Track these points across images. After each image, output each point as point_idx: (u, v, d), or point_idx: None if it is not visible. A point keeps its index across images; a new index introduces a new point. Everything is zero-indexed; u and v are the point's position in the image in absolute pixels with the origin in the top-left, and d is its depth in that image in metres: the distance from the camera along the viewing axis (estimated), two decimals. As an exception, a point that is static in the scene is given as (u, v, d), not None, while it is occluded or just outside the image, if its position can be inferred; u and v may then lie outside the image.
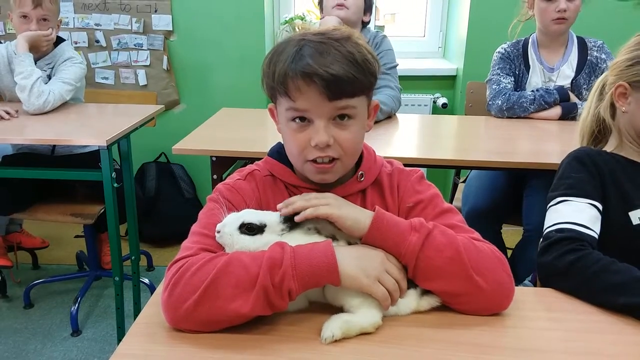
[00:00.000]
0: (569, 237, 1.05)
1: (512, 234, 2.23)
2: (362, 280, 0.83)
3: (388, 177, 1.02)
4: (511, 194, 2.04)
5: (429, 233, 0.85)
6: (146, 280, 2.47)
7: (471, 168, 2.20)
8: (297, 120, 0.91)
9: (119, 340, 2.06)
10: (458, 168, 2.47)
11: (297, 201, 0.88)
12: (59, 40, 2.30)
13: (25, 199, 2.19)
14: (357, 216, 0.87)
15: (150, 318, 0.87)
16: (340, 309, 0.86)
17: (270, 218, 0.88)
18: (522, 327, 0.87)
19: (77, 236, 2.80)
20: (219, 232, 0.87)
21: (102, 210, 2.14)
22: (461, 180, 2.44)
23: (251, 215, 0.87)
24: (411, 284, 0.88)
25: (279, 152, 1.02)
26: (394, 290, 0.85)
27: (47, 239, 2.82)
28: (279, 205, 0.89)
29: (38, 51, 2.20)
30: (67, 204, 2.20)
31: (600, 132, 1.27)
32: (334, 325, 0.82)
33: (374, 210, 0.88)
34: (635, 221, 1.13)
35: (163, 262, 2.84)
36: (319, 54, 0.86)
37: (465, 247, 0.86)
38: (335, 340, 0.81)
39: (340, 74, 0.85)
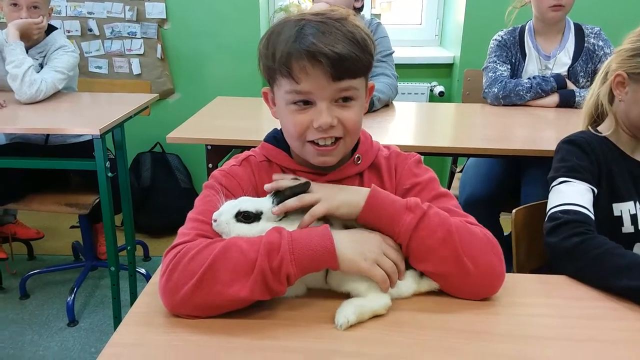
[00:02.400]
0: (576, 220, 1.06)
1: (509, 222, 2.22)
2: (361, 264, 0.82)
3: (385, 160, 1.01)
4: (509, 181, 2.04)
5: (423, 214, 0.85)
6: (143, 270, 2.46)
7: (468, 155, 2.19)
8: (299, 103, 0.89)
9: (116, 330, 2.06)
10: (455, 156, 2.47)
11: (285, 185, 0.88)
12: (51, 29, 2.27)
13: (19, 190, 2.16)
14: (350, 200, 0.87)
15: (146, 307, 0.86)
16: (344, 295, 0.85)
17: (266, 205, 0.87)
18: (522, 314, 0.87)
19: (72, 227, 2.79)
20: (215, 220, 0.86)
21: (97, 200, 2.13)
22: (458, 169, 2.44)
23: (247, 203, 0.87)
24: (411, 266, 0.88)
25: (275, 138, 1.01)
26: (392, 272, 0.84)
27: (41, 229, 2.80)
28: (266, 187, 0.90)
29: (29, 39, 2.16)
30: (61, 194, 2.17)
31: (599, 115, 1.27)
32: (347, 311, 0.81)
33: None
34: (616, 213, 1.17)
35: (160, 252, 2.81)
36: (321, 33, 0.85)
37: (458, 229, 0.86)
38: (350, 326, 0.80)
39: (344, 52, 0.84)
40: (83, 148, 2.16)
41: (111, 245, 1.98)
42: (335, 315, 0.82)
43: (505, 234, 2.07)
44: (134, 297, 2.24)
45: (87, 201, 2.13)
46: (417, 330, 0.82)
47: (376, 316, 0.83)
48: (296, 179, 0.92)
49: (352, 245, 0.83)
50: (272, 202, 0.87)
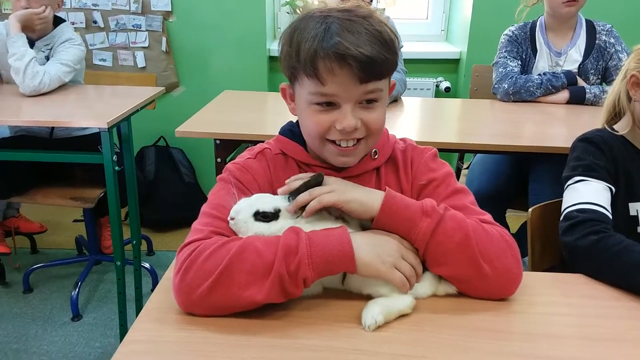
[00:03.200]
0: (592, 219, 1.05)
1: (516, 219, 2.22)
2: (379, 267, 0.81)
3: (402, 154, 1.00)
4: (516, 178, 2.02)
5: (440, 218, 0.83)
6: (147, 265, 2.45)
7: (476, 152, 2.18)
8: (323, 104, 0.87)
9: (121, 324, 2.05)
10: (462, 152, 2.45)
11: (297, 186, 0.85)
12: (59, 21, 2.25)
13: (24, 183, 2.15)
14: (364, 199, 0.85)
15: (160, 303, 0.85)
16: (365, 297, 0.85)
17: (284, 203, 0.85)
18: (540, 313, 0.86)
19: (75, 220, 2.78)
20: (232, 219, 0.84)
21: (102, 193, 2.12)
22: (465, 166, 2.42)
23: (265, 203, 0.85)
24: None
25: (291, 131, 0.99)
26: (410, 275, 0.83)
27: (45, 223, 2.79)
28: (279, 191, 0.87)
29: (32, 31, 2.13)
30: (66, 188, 2.16)
31: (617, 113, 1.26)
32: (375, 311, 0.80)
33: (384, 191, 0.86)
34: (632, 212, 1.16)
35: (163, 246, 2.82)
36: (350, 32, 0.82)
37: (475, 232, 0.84)
38: (379, 327, 0.79)
39: (373, 55, 0.82)
40: (88, 141, 2.14)
41: (117, 239, 1.97)
42: (362, 315, 0.80)
43: (511, 232, 2.06)
44: (139, 292, 2.23)
45: (92, 195, 2.12)
46: (435, 329, 0.80)
47: (401, 316, 0.82)
48: (315, 174, 0.89)
49: (371, 249, 0.81)
50: (288, 200, 0.85)
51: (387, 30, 0.86)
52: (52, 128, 2.19)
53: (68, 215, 2.88)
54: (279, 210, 0.84)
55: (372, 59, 0.82)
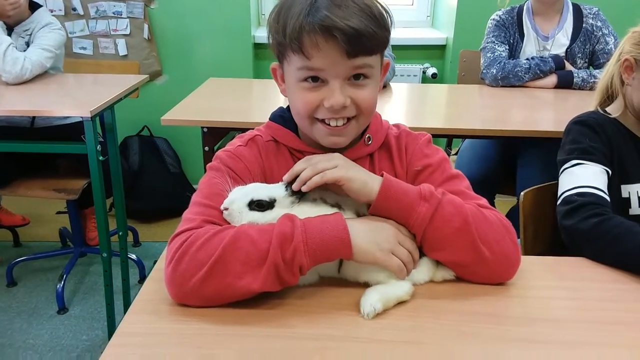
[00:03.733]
0: (592, 202, 1.06)
1: (504, 204, 2.22)
2: (376, 254, 0.80)
3: (396, 140, 0.98)
4: (504, 163, 2.03)
5: (438, 203, 0.82)
6: (133, 256, 2.42)
7: (464, 137, 2.18)
8: (309, 80, 0.85)
9: (109, 316, 2.02)
10: (450, 137, 2.45)
11: (302, 168, 0.83)
12: (35, 6, 2.18)
13: (5, 175, 2.10)
14: (365, 179, 0.83)
15: (152, 294, 0.82)
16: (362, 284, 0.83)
17: (279, 192, 0.83)
18: (537, 297, 0.86)
19: (58, 212, 2.73)
20: (226, 209, 0.82)
21: (86, 184, 2.07)
22: (453, 152, 2.42)
23: (260, 191, 0.83)
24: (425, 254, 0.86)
25: (281, 117, 0.97)
26: (408, 261, 0.82)
27: (27, 216, 2.73)
28: (285, 177, 0.85)
29: (6, 17, 2.07)
30: (49, 179, 2.11)
31: (609, 96, 1.26)
32: (373, 299, 0.79)
33: (381, 176, 0.84)
34: (624, 194, 1.17)
35: (149, 237, 2.78)
36: (336, 6, 0.80)
37: (474, 217, 0.83)
38: (377, 314, 0.78)
39: (360, 28, 0.80)
40: (70, 130, 2.09)
41: (103, 230, 1.93)
42: (361, 303, 0.79)
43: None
44: (126, 283, 2.19)
45: (76, 186, 2.07)
46: (433, 315, 0.80)
47: (399, 302, 0.81)
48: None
49: (367, 235, 0.80)
50: (286, 189, 0.83)
51: (378, 5, 0.84)
52: (33, 118, 2.14)
53: (51, 207, 2.83)
54: (275, 200, 0.82)
55: (359, 31, 0.80)
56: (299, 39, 0.81)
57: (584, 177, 1.11)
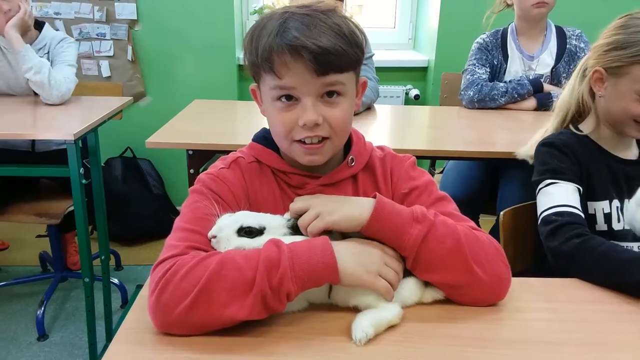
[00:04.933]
0: (570, 222, 1.08)
1: (483, 223, 2.23)
2: (363, 277, 0.79)
3: (380, 162, 0.99)
4: (488, 183, 2.05)
5: (431, 225, 0.82)
6: (116, 281, 2.38)
7: (446, 158, 2.20)
8: (283, 99, 0.87)
9: (90, 343, 1.97)
10: (433, 159, 2.47)
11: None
12: (40, 25, 2.17)
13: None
14: (352, 214, 0.83)
15: (136, 323, 0.81)
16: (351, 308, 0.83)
17: (271, 221, 0.83)
18: (526, 319, 0.86)
19: (38, 236, 2.68)
20: (215, 237, 0.81)
21: (69, 208, 2.04)
22: (437, 171, 2.45)
23: (250, 219, 0.82)
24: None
25: (264, 137, 0.97)
26: (395, 282, 0.82)
27: (6, 240, 2.68)
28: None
29: (25, 34, 2.06)
30: (29, 203, 2.07)
31: (580, 113, 1.28)
32: (364, 324, 0.78)
33: (374, 197, 0.84)
34: (590, 211, 1.19)
35: (132, 260, 2.74)
36: (305, 26, 0.82)
37: (466, 237, 0.84)
38: (369, 340, 0.78)
39: (328, 46, 0.81)
40: (53, 154, 2.06)
41: (85, 255, 1.89)
42: (352, 329, 0.79)
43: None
44: (108, 309, 2.15)
45: (58, 210, 2.04)
46: (423, 339, 0.79)
47: (390, 327, 0.81)
48: None
49: (354, 258, 0.80)
50: (286, 222, 0.84)
51: (349, 24, 0.86)
52: (33, 141, 2.10)
53: (30, 230, 2.78)
54: (264, 228, 0.82)
55: (327, 50, 0.81)
56: (270, 59, 0.83)
57: (558, 196, 1.14)
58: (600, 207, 1.19)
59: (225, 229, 0.81)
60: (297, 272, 0.76)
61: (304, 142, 0.88)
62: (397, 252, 0.84)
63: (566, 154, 1.20)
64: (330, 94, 0.86)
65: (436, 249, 0.82)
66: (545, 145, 1.25)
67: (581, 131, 1.25)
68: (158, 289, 0.75)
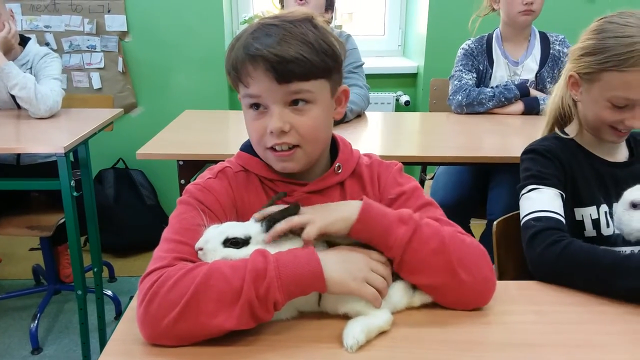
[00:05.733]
0: (549, 228, 1.06)
1: (474, 227, 2.25)
2: (350, 284, 0.80)
3: (368, 169, 1.00)
4: (478, 188, 2.06)
5: (417, 226, 0.84)
6: (109, 292, 2.37)
7: (437, 164, 2.21)
8: (253, 107, 0.89)
9: (84, 356, 1.97)
10: (424, 164, 2.49)
11: (271, 211, 0.84)
12: (25, 40, 2.18)
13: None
14: (342, 216, 0.84)
15: (126, 335, 0.81)
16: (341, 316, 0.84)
17: (254, 229, 0.83)
18: (514, 322, 0.87)
19: (31, 249, 2.67)
20: (201, 249, 0.82)
21: (61, 220, 2.04)
22: (428, 177, 2.46)
23: (235, 229, 0.83)
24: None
25: (252, 146, 0.98)
26: (382, 288, 0.83)
27: (-2, 253, 2.67)
28: (256, 215, 0.85)
29: (10, 51, 2.07)
30: (21, 216, 2.07)
31: (565, 117, 1.27)
32: (355, 331, 0.79)
33: (361, 200, 0.85)
34: (578, 217, 1.18)
35: (125, 272, 2.73)
36: (267, 35, 0.84)
37: (451, 239, 0.85)
38: (361, 346, 0.78)
39: (286, 55, 0.83)
40: (54, 167, 2.06)
41: (77, 267, 1.89)
42: (344, 336, 0.79)
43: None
44: (101, 321, 2.14)
45: (50, 222, 2.03)
46: (413, 344, 0.80)
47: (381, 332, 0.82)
48: (292, 204, 0.86)
49: (340, 266, 0.81)
50: (261, 226, 0.83)
51: (320, 33, 0.86)
52: (18, 155, 2.10)
53: (23, 244, 2.77)
54: (250, 237, 0.82)
55: (285, 58, 0.83)
56: (236, 68, 0.87)
57: (539, 201, 1.12)
58: (588, 213, 1.18)
59: (211, 240, 0.82)
60: (283, 281, 0.76)
61: (275, 150, 0.89)
62: (384, 257, 0.85)
63: (549, 159, 1.19)
64: (296, 101, 0.87)
65: (421, 250, 0.83)
66: (528, 152, 1.24)
67: (567, 135, 1.24)
68: (146, 301, 0.76)
